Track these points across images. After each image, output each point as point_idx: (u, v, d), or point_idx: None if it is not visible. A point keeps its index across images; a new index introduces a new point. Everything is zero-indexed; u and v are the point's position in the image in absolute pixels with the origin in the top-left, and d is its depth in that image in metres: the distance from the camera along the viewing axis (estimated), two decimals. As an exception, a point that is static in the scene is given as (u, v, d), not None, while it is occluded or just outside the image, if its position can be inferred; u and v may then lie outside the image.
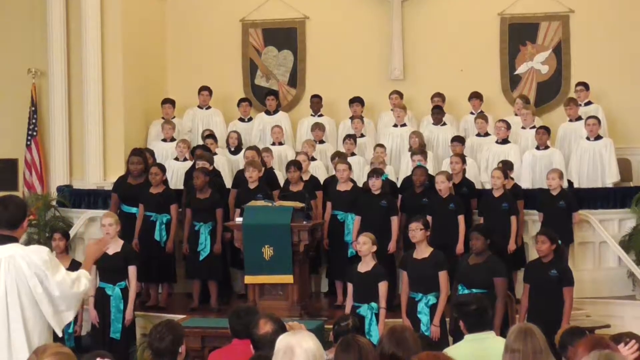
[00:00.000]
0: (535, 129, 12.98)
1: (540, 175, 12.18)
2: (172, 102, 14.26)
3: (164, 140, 13.69)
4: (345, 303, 9.72)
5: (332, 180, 11.86)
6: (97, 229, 11.52)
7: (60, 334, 5.94)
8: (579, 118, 13.09)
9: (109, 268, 9.83)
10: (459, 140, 12.63)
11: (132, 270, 9.92)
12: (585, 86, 13.61)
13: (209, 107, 14.57)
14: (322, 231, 11.26)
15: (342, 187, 11.38)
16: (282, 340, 4.39)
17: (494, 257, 9.22)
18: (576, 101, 13.31)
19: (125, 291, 9.88)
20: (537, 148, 12.54)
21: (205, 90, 14.50)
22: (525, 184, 12.30)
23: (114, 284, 9.86)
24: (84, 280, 5.85)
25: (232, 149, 13.36)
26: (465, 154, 12.40)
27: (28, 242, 11.20)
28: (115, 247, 9.90)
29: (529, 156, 12.56)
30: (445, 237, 10.49)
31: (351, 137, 13.04)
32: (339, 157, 12.09)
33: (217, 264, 11.25)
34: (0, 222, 5.71)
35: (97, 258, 6.42)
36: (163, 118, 14.14)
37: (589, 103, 13.56)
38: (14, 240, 5.72)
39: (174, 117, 14.24)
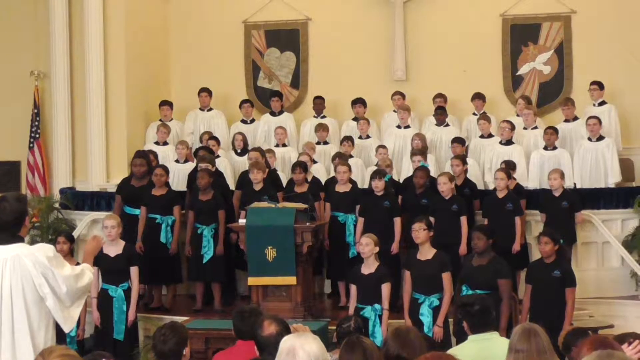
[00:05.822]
0: (536, 129, 12.99)
1: (549, 176, 12.18)
2: (170, 104, 14.24)
3: (157, 143, 13.58)
4: (348, 304, 9.72)
5: (331, 181, 11.86)
6: (99, 231, 11.53)
7: (67, 331, 5.90)
8: (576, 118, 13.09)
9: (111, 269, 9.89)
10: (458, 141, 12.60)
11: (134, 271, 9.97)
12: (600, 85, 13.38)
13: (210, 109, 14.54)
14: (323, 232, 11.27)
15: (342, 188, 11.37)
16: (286, 342, 4.41)
17: (499, 258, 9.22)
18: (573, 102, 13.23)
19: (128, 292, 9.91)
20: (545, 148, 12.53)
21: (204, 91, 14.46)
22: (532, 183, 12.31)
23: (116, 286, 9.90)
24: (88, 273, 5.85)
25: (239, 151, 13.30)
26: (467, 155, 12.38)
27: (31, 245, 11.17)
28: (117, 248, 9.95)
29: (537, 156, 12.53)
30: (448, 238, 10.46)
31: (349, 139, 13.04)
32: (339, 158, 12.08)
33: (220, 265, 11.24)
34: (1, 221, 5.63)
35: (95, 254, 6.40)
36: (161, 120, 14.14)
37: (602, 103, 13.42)
38: (19, 239, 5.68)
39: (172, 119, 14.19)
